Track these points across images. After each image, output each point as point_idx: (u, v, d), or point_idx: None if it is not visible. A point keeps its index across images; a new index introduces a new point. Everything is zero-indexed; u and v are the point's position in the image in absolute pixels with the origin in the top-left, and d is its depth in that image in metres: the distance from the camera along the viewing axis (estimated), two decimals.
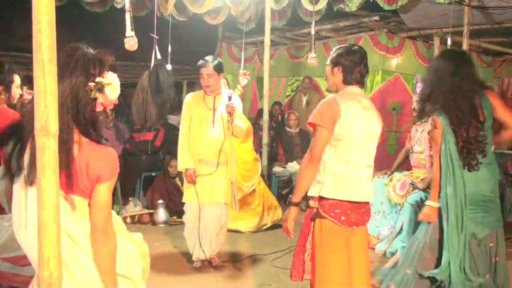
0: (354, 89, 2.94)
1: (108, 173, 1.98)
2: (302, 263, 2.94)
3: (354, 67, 2.91)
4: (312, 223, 2.89)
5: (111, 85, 1.99)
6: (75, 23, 9.67)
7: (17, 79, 3.90)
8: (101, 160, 1.96)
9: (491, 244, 3.25)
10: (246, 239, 5.79)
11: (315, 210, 2.87)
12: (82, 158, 1.92)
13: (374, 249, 5.21)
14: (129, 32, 3.62)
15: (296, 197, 2.87)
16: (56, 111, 1.41)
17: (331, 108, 2.82)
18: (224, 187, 4.58)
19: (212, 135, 4.53)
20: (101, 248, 1.99)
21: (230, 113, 4.43)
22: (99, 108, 1.98)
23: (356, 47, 3.00)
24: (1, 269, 3.93)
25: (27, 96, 4.22)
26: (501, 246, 3.29)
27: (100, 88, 1.95)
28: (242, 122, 4.70)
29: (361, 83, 2.98)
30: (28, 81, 4.05)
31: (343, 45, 3.05)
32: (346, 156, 2.83)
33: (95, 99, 1.96)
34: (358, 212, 2.86)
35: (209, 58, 4.60)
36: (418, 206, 4.90)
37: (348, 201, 2.82)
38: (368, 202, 2.95)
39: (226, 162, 4.57)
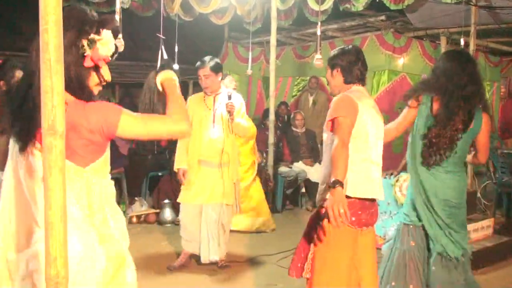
0: (358, 87, 2.95)
1: (114, 114, 1.87)
2: (303, 261, 2.93)
3: (351, 65, 2.92)
4: (321, 223, 2.87)
5: (102, 41, 1.94)
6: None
7: (19, 74, 3.94)
8: (97, 110, 1.85)
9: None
10: (251, 239, 5.80)
11: (324, 211, 2.85)
12: (70, 118, 1.72)
13: (380, 249, 5.19)
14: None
15: (340, 176, 2.61)
16: (63, 110, 1.42)
17: (351, 103, 2.80)
18: (227, 188, 4.56)
19: (212, 135, 4.52)
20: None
21: (230, 112, 4.42)
22: (87, 63, 1.87)
23: (349, 47, 3.02)
24: None
25: None
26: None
27: (90, 43, 1.90)
28: (246, 121, 4.68)
29: (362, 81, 2.97)
30: None
31: (337, 48, 3.08)
32: (364, 154, 2.84)
33: (84, 55, 1.87)
34: (368, 212, 2.86)
35: (206, 58, 4.57)
36: None
37: (363, 199, 2.82)
38: (375, 202, 2.94)
39: (229, 162, 4.57)
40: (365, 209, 2.85)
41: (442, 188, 3.15)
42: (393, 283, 3.23)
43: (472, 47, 6.81)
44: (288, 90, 10.11)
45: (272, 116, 7.15)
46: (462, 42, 6.38)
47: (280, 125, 8.28)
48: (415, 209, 3.22)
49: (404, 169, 5.52)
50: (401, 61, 8.30)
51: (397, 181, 5.31)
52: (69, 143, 1.74)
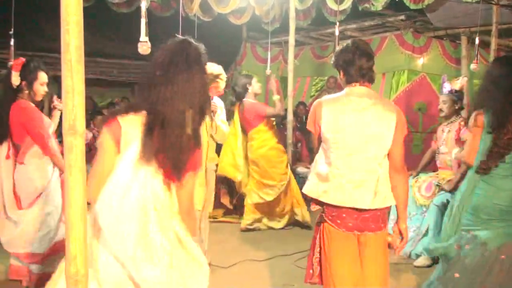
0: (354, 88, 2.80)
1: None
2: (311, 266, 2.93)
3: (348, 65, 2.78)
4: (319, 227, 2.87)
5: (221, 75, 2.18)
6: (102, 23, 9.80)
7: (42, 76, 3.92)
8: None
9: (502, 257, 3.15)
10: (270, 238, 5.79)
11: (321, 214, 2.85)
12: None
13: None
14: (143, 37, 3.68)
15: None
16: (83, 110, 1.43)
17: (314, 110, 2.83)
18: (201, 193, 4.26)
19: None
20: None
21: (213, 112, 4.21)
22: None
23: (349, 44, 2.84)
24: (13, 262, 4.03)
25: (58, 105, 4.21)
26: None
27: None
28: (226, 126, 4.53)
29: (364, 79, 2.79)
30: (56, 81, 4.11)
31: (339, 46, 2.99)
32: (331, 159, 2.73)
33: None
34: (356, 217, 2.73)
35: None
36: (444, 207, 4.85)
37: (335, 206, 2.73)
38: (374, 209, 2.73)
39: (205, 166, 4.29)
40: (351, 214, 2.72)
41: (497, 193, 3.15)
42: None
43: (493, 47, 6.72)
44: (306, 90, 10.08)
45: (290, 116, 7.13)
46: (477, 41, 6.27)
47: (298, 125, 8.26)
48: (473, 217, 3.23)
49: (423, 170, 5.49)
50: (420, 61, 8.23)
51: (416, 182, 5.27)
52: None
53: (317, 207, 2.85)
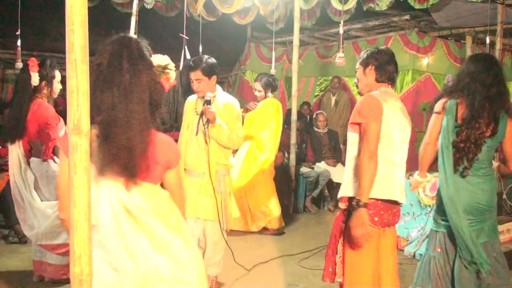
0: (388, 89, 2.98)
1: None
2: (333, 265, 2.93)
3: (385, 64, 2.95)
4: (344, 225, 2.87)
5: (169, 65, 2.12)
6: (107, 23, 9.81)
7: (58, 74, 4.09)
8: (166, 148, 2.07)
9: (494, 254, 3.14)
10: (273, 239, 5.79)
11: (346, 212, 2.86)
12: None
13: (403, 251, 5.15)
14: (132, 35, 3.71)
15: (364, 197, 2.71)
16: (88, 110, 1.43)
17: (376, 104, 2.82)
18: (204, 202, 3.93)
19: (195, 142, 3.94)
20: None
21: (207, 117, 3.79)
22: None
23: (384, 47, 3.08)
24: (35, 257, 4.11)
25: None
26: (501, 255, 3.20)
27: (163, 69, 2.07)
28: (235, 133, 3.99)
29: (392, 82, 3.00)
30: (60, 81, 4.18)
31: (370, 48, 3.10)
32: (387, 155, 2.82)
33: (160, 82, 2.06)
34: (390, 212, 2.85)
35: (198, 60, 3.92)
36: None
37: (385, 201, 2.80)
38: (399, 202, 2.93)
39: (210, 173, 3.90)
40: (388, 210, 2.84)
41: (475, 192, 3.08)
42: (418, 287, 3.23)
43: (498, 47, 6.69)
44: (311, 90, 10.08)
45: (294, 116, 7.12)
46: (487, 40, 6.27)
47: (302, 125, 8.26)
48: (444, 216, 3.13)
49: (427, 170, 5.47)
50: (425, 61, 8.21)
51: (420, 182, 5.25)
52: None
53: (343, 204, 2.87)
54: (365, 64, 3.00)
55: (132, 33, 3.62)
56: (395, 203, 2.88)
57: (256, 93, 6.07)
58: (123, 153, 1.87)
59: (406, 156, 2.96)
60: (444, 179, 3.09)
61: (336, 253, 2.91)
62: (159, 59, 2.14)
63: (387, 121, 2.81)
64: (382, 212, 2.81)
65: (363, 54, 3.05)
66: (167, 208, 2.05)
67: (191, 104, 4.10)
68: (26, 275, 4.30)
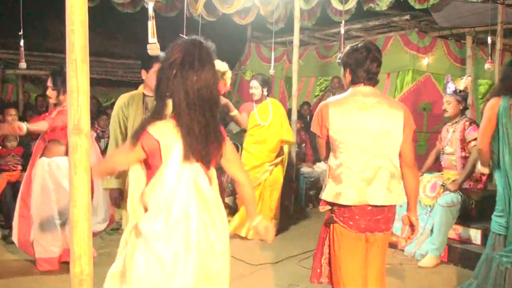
0: (359, 88, 2.79)
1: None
2: (319, 266, 2.92)
3: (358, 66, 2.77)
4: (328, 228, 2.87)
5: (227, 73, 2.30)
6: (108, 23, 9.81)
7: None
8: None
9: None
10: (274, 240, 5.77)
11: (330, 214, 2.85)
12: None
13: (403, 251, 5.15)
14: (151, 39, 3.69)
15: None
16: (88, 110, 1.43)
17: (321, 113, 2.81)
18: None
19: None
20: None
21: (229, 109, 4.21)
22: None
23: (360, 44, 2.83)
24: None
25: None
26: None
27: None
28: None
29: (370, 81, 2.80)
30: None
31: (350, 45, 2.92)
32: (342, 159, 2.73)
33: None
34: (369, 219, 2.74)
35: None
36: (449, 207, 4.84)
37: (348, 206, 2.73)
38: (385, 208, 2.75)
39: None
40: (364, 215, 2.73)
41: None
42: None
43: (499, 47, 6.70)
44: (311, 90, 10.07)
45: (294, 116, 7.11)
46: (489, 40, 6.26)
47: (302, 125, 8.26)
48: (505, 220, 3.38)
49: (428, 170, 5.47)
50: (425, 61, 8.20)
51: (420, 182, 5.25)
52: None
53: (327, 207, 2.85)
54: (343, 65, 2.88)
55: (150, 36, 3.65)
56: (379, 207, 2.73)
57: (254, 90, 5.89)
58: (202, 144, 2.13)
59: (393, 151, 2.75)
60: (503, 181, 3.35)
61: (322, 255, 2.91)
62: (218, 65, 2.28)
63: (338, 126, 2.71)
64: (357, 217, 2.73)
65: (342, 53, 2.92)
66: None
67: None
68: (26, 275, 4.30)
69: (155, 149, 2.08)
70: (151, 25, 3.70)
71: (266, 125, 5.83)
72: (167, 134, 2.08)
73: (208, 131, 2.14)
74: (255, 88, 5.88)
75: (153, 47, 3.67)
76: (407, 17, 7.85)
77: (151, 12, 3.77)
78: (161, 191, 2.08)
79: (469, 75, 5.73)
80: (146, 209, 2.14)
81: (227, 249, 2.29)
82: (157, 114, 2.12)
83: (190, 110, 2.08)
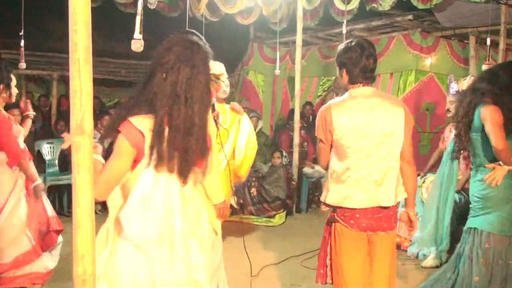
0: (359, 89, 2.76)
1: None
2: (324, 266, 2.91)
3: (354, 64, 2.72)
4: (330, 227, 2.86)
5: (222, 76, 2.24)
6: (110, 23, 9.82)
7: (14, 78, 3.84)
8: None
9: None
10: (276, 240, 5.79)
11: (332, 214, 2.84)
12: None
13: (406, 251, 5.14)
14: (137, 35, 3.65)
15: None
16: (91, 110, 1.43)
17: (324, 118, 2.76)
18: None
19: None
20: None
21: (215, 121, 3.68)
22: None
23: (354, 41, 2.76)
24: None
25: (30, 114, 4.10)
26: None
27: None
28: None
29: (367, 79, 2.76)
30: (64, 82, 4.14)
31: (344, 42, 2.86)
32: (349, 163, 2.71)
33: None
34: (370, 217, 2.73)
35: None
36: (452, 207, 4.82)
37: (348, 208, 2.73)
38: (388, 208, 2.75)
39: None
40: (365, 214, 2.72)
41: None
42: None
43: (502, 47, 6.68)
44: (314, 90, 10.07)
45: (297, 117, 7.12)
46: (488, 41, 6.24)
47: (305, 125, 8.26)
48: None
49: (431, 170, 5.46)
50: (428, 61, 8.19)
51: (423, 182, 5.24)
52: None
53: (327, 208, 2.85)
54: (338, 65, 2.83)
55: (136, 32, 3.61)
56: (373, 208, 2.73)
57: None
58: (184, 152, 2.01)
59: (395, 151, 2.74)
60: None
61: (326, 255, 2.90)
62: (215, 67, 2.20)
63: (341, 130, 2.69)
64: (357, 216, 2.72)
65: (337, 53, 2.86)
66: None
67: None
68: None
69: (139, 141, 1.96)
70: (139, 20, 3.68)
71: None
72: (147, 127, 1.96)
73: (192, 139, 2.02)
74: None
75: (137, 43, 3.64)
76: (410, 17, 7.84)
77: (140, 8, 3.76)
78: (143, 182, 1.99)
79: (472, 75, 5.71)
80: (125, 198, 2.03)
81: (207, 237, 2.22)
82: (137, 109, 2.00)
83: (173, 113, 1.97)
